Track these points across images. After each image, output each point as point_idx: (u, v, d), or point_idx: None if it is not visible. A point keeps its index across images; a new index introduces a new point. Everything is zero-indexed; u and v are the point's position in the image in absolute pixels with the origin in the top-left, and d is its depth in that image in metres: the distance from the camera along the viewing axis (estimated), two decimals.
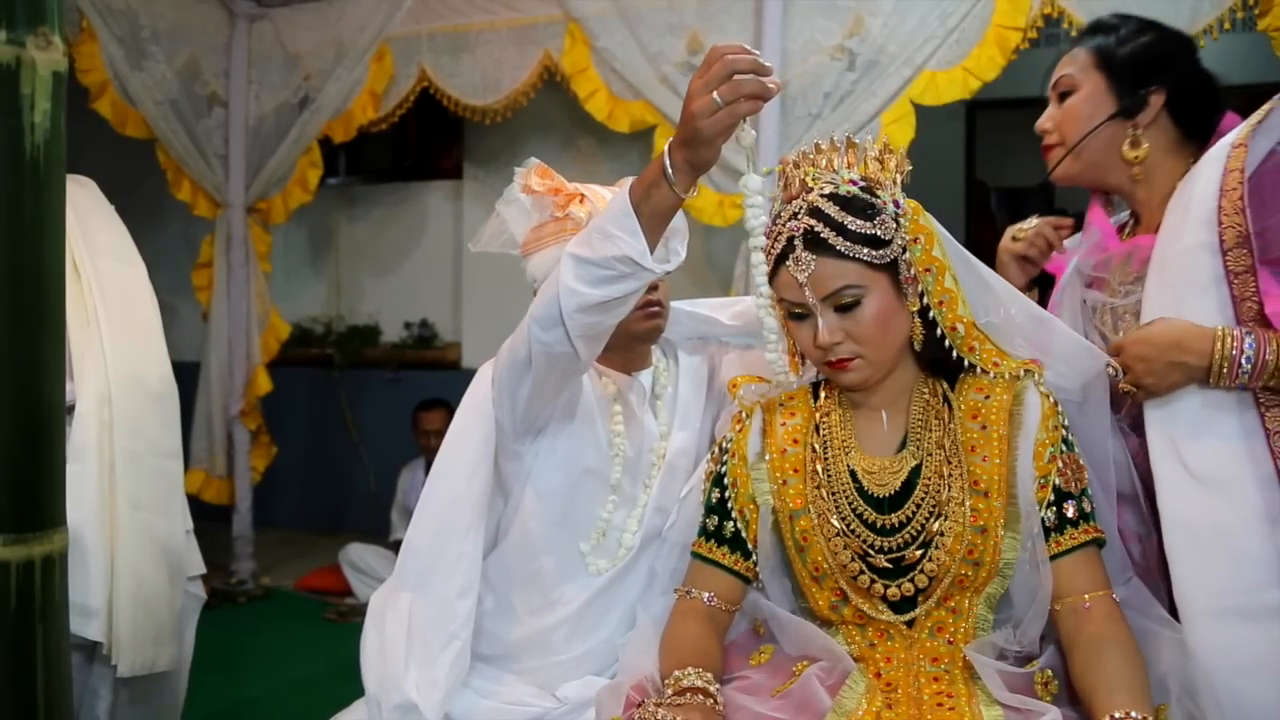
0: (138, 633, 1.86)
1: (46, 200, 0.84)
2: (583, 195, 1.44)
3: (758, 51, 1.10)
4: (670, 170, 1.13)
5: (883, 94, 3.07)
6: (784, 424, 1.32)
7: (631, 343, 1.47)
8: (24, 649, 0.80)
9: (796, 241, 1.18)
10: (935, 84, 3.03)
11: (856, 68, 3.12)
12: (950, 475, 1.21)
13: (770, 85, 1.09)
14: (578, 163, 4.55)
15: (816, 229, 1.17)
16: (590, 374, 1.47)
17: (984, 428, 1.23)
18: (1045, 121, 1.48)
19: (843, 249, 1.16)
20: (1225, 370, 1.18)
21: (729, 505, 1.31)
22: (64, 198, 0.85)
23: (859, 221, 1.17)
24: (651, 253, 1.16)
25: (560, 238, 1.41)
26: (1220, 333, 1.19)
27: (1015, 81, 3.06)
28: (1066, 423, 1.24)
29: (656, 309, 1.46)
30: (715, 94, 1.08)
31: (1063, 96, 1.46)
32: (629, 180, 1.56)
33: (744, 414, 1.36)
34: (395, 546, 4.15)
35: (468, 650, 1.38)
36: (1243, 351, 1.18)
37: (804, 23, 3.19)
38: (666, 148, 1.14)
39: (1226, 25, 2.71)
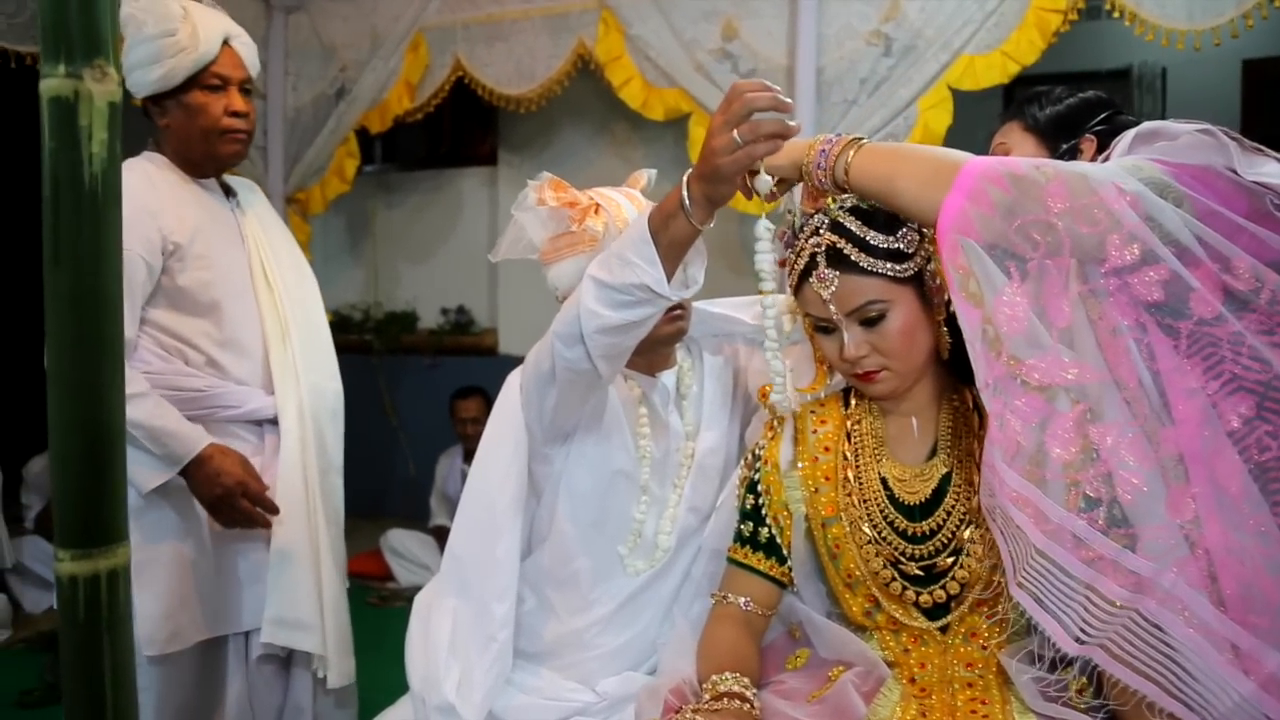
0: (339, 644, 1.92)
1: (105, 228, 0.87)
2: (598, 205, 1.45)
3: (778, 88, 1.11)
4: (688, 203, 1.14)
5: (920, 79, 3.04)
6: (815, 431, 1.33)
7: (655, 345, 1.48)
8: (93, 659, 0.83)
9: (819, 258, 1.18)
10: (973, 69, 2.99)
11: (893, 53, 3.09)
12: (980, 484, 1.21)
13: (791, 125, 1.10)
14: (613, 148, 4.56)
15: (838, 245, 1.17)
16: (615, 377, 1.49)
17: None
18: None
19: (865, 265, 1.16)
20: (811, 157, 1.14)
21: (763, 512, 1.33)
22: (120, 224, 0.87)
23: (881, 235, 1.17)
24: (670, 279, 1.18)
25: (576, 250, 1.42)
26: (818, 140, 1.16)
27: (1057, 57, 3.01)
28: None
29: (679, 312, 1.47)
30: (735, 133, 1.09)
31: None
32: (641, 174, 1.57)
33: (775, 421, 1.36)
34: (435, 532, 4.24)
35: (508, 651, 1.42)
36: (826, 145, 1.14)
37: (840, 8, 3.16)
38: (685, 180, 1.15)
39: (1277, 2, 2.66)
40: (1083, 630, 0.98)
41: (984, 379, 1.02)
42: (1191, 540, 0.96)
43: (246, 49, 1.91)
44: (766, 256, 1.19)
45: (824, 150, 1.13)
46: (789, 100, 1.10)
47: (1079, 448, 0.99)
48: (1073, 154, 1.52)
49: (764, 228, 1.19)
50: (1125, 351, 0.99)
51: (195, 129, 1.85)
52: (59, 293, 0.83)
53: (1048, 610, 0.99)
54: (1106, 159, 1.15)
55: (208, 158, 1.90)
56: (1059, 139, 1.54)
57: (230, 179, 2.04)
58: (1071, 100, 1.58)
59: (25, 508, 4.15)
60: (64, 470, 0.83)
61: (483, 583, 1.42)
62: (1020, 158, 1.10)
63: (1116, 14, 2.83)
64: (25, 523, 4.09)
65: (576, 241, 1.43)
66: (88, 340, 0.85)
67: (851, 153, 1.11)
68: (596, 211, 1.44)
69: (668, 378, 1.55)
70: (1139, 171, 1.02)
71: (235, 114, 1.87)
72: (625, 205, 1.46)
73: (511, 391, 1.47)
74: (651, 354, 1.51)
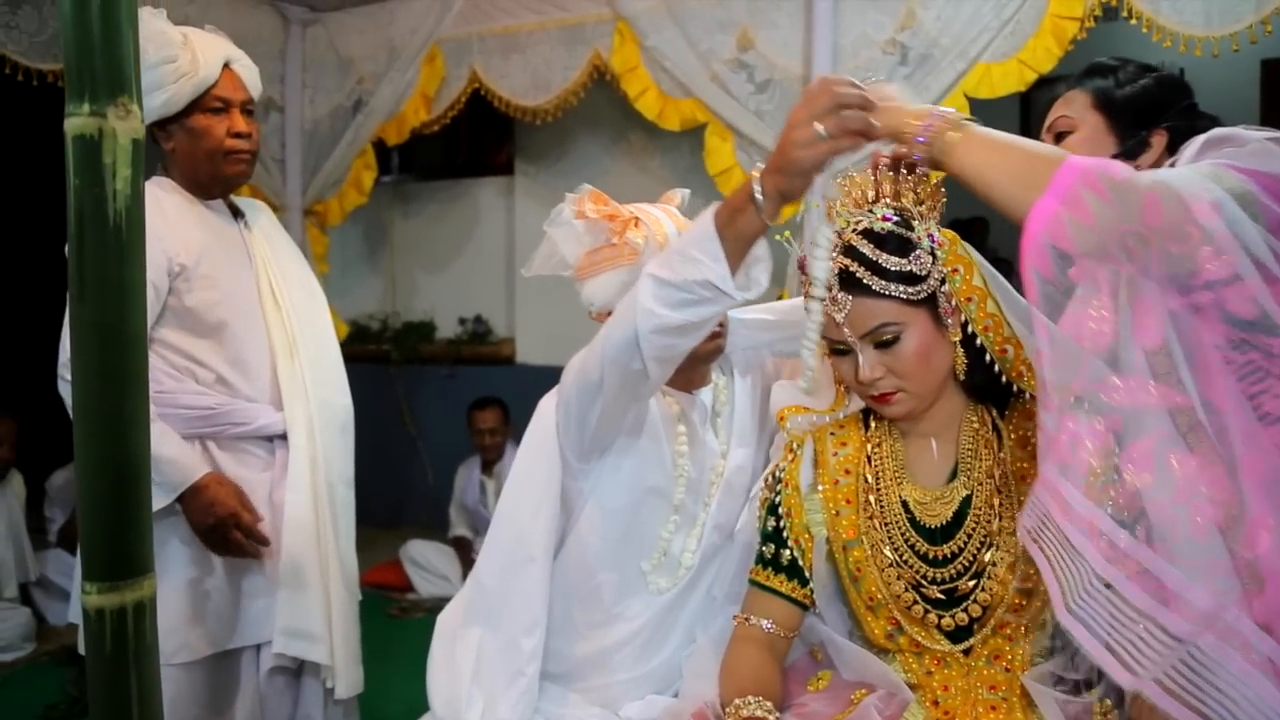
0: (347, 655, 1.94)
1: (129, 263, 0.87)
2: (637, 219, 1.44)
3: (865, 86, 1.10)
4: (760, 197, 1.12)
5: (936, 88, 3.03)
6: (835, 454, 1.32)
7: (694, 363, 1.46)
8: (120, 689, 0.84)
9: (832, 281, 1.18)
10: (990, 77, 2.98)
11: (909, 62, 3.09)
12: (1001, 505, 1.21)
13: (876, 125, 1.09)
14: (629, 158, 4.56)
15: (851, 269, 1.17)
16: (658, 388, 1.48)
17: (1035, 456, 1.21)
18: None
19: (878, 288, 1.16)
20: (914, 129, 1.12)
21: (784, 534, 1.33)
22: (144, 259, 0.88)
23: (894, 259, 1.17)
24: (732, 278, 1.16)
25: (616, 263, 1.42)
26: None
27: (1074, 58, 2.98)
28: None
29: (719, 330, 1.46)
30: (819, 125, 1.07)
31: (1059, 137, 1.46)
32: (675, 193, 1.57)
33: (795, 444, 1.36)
34: (455, 543, 4.25)
35: (535, 685, 1.40)
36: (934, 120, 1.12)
37: (855, 17, 3.15)
38: (758, 174, 1.13)
39: None
40: (1137, 662, 0.93)
41: (1056, 399, 0.97)
42: (1259, 575, 0.93)
43: (247, 71, 1.94)
44: (823, 265, 1.16)
45: (929, 124, 1.10)
46: (875, 100, 1.09)
47: (1153, 474, 0.95)
48: (1142, 147, 1.43)
49: (825, 236, 1.16)
50: (1217, 372, 0.95)
51: (200, 152, 1.89)
52: (84, 327, 0.84)
53: (1099, 639, 0.94)
54: (1174, 164, 1.12)
55: (214, 179, 1.93)
56: (1129, 125, 1.44)
57: (238, 199, 2.07)
58: (1148, 82, 1.47)
59: (49, 521, 4.19)
60: (90, 503, 0.84)
61: (511, 616, 1.40)
62: (1116, 163, 1.06)
63: (1134, 20, 2.81)
64: (49, 536, 4.12)
65: (617, 255, 1.42)
66: (113, 374, 0.86)
67: (954, 134, 1.09)
68: (636, 225, 1.43)
69: (705, 395, 1.54)
70: (1220, 180, 0.99)
71: (238, 135, 1.90)
72: (664, 220, 1.46)
73: (543, 419, 1.45)
74: (690, 371, 1.50)
